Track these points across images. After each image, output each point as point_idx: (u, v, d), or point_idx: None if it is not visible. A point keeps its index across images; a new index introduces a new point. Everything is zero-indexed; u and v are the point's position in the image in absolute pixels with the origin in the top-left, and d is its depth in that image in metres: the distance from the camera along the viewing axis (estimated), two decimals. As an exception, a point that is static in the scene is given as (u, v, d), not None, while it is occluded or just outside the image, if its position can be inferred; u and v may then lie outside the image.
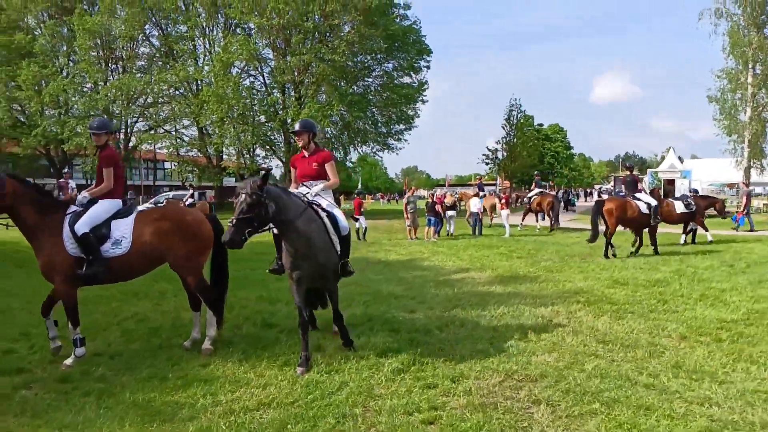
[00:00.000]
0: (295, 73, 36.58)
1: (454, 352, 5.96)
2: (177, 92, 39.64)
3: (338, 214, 6.09)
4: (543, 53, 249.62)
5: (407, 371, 5.30)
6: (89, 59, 38.37)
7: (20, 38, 38.19)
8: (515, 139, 51.43)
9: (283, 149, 39.04)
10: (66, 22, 39.31)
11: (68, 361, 5.64)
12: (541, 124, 65.91)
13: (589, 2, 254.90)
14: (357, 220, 19.13)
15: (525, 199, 25.10)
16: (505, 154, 51.18)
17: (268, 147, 39.52)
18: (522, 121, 54.97)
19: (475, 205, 21.57)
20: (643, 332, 6.75)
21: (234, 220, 4.89)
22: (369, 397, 4.71)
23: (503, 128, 51.40)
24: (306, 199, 5.79)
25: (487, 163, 52.03)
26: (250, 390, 4.90)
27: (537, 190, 23.97)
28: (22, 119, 40.92)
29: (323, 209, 5.92)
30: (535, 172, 31.23)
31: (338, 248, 5.88)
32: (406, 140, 40.53)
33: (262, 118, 37.49)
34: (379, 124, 40.01)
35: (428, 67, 40.20)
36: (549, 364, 5.53)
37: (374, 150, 40.91)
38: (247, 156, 39.85)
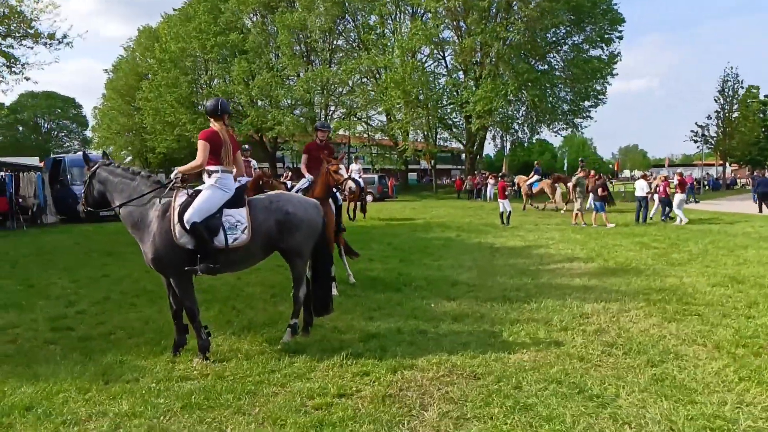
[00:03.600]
0: (478, 54, 36.38)
1: (436, 343, 5.83)
2: (365, 80, 41.77)
3: (198, 200, 5.32)
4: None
5: (360, 357, 5.35)
6: (290, 53, 42.07)
7: (234, 37, 43.14)
8: (731, 114, 45.19)
9: (464, 131, 39.20)
10: (271, 21, 43.47)
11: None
12: (768, 96, 56.77)
13: None
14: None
15: (525, 185, 26.36)
16: (718, 130, 45.31)
17: (448, 129, 39.94)
18: (746, 92, 48.02)
19: (641, 188, 19.78)
20: (676, 338, 5.92)
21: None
22: (296, 379, 4.89)
23: (716, 101, 45.47)
24: (161, 181, 5.62)
25: (695, 141, 46.53)
26: (213, 360, 5.37)
27: (536, 177, 26.21)
28: (239, 109, 46.38)
29: (185, 194, 5.43)
30: (536, 161, 31.78)
31: (180, 240, 5.25)
32: (591, 117, 38.19)
33: (442, 101, 37.89)
34: (563, 102, 38.15)
35: (620, 38, 37.24)
36: (515, 364, 5.18)
37: (557, 130, 39.07)
38: (431, 138, 40.72)
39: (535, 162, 29.71)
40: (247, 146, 14.94)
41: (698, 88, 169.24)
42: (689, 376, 4.85)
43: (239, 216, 5.48)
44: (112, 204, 5.59)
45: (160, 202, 5.43)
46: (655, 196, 20.22)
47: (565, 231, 16.61)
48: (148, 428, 4.01)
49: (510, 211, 18.99)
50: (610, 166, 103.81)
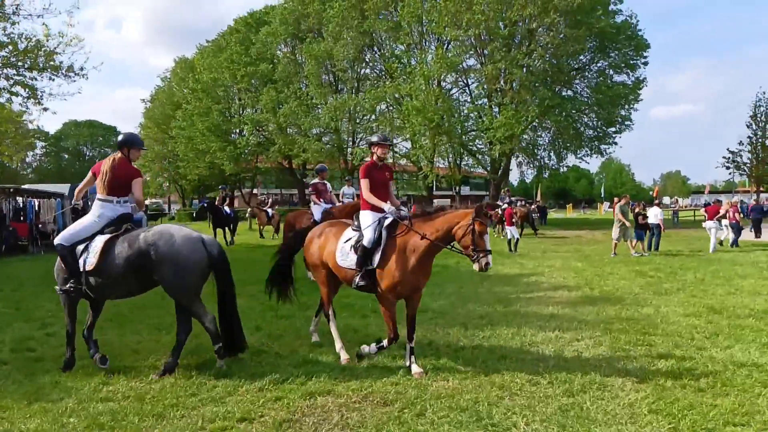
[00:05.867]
0: (502, 82, 36.39)
1: (368, 370, 5.87)
2: (391, 107, 42.16)
3: (72, 225, 6.15)
4: None
5: (283, 382, 5.43)
6: (317, 83, 42.83)
7: (264, 68, 44.26)
8: (765, 140, 43.98)
9: (488, 157, 39.09)
10: (300, 51, 44.44)
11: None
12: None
13: None
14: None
15: (498, 210, 25.75)
16: (751, 156, 44.14)
17: (473, 156, 39.93)
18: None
19: (654, 215, 19.40)
20: (611, 368, 5.82)
21: None
22: (210, 402, 5.00)
23: (748, 127, 44.38)
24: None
25: (727, 167, 45.38)
26: (142, 383, 5.52)
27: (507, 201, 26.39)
28: (268, 137, 47.33)
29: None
30: (505, 188, 33.04)
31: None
32: (616, 143, 37.64)
33: (466, 127, 37.96)
34: (588, 128, 37.82)
35: (646, 64, 36.78)
36: (432, 391, 5.18)
37: (581, 156, 38.59)
38: (455, 165, 40.68)
39: (503, 190, 30.59)
40: (324, 166, 13.25)
41: (744, 113, 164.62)
42: (599, 408, 4.78)
43: (98, 241, 5.81)
44: None
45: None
46: (725, 223, 19.97)
47: (567, 259, 16.39)
48: (40, 447, 4.17)
49: (518, 238, 18.87)
50: (650, 192, 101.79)
